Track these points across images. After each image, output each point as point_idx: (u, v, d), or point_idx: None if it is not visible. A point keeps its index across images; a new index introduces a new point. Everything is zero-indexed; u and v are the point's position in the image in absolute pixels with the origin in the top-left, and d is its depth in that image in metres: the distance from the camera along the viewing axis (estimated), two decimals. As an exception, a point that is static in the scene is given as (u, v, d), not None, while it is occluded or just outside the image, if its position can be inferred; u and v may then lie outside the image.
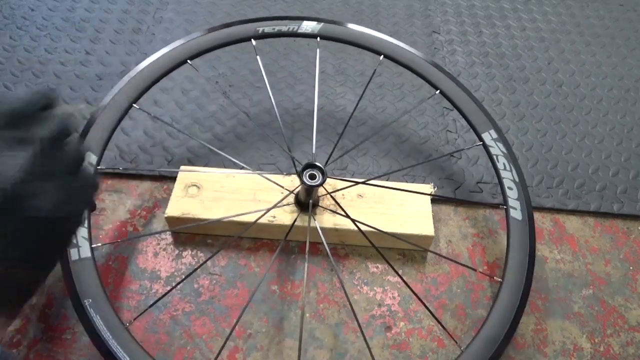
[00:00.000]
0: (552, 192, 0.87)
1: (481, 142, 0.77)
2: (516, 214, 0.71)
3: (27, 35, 1.04)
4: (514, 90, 1.05)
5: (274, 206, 0.71)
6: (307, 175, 0.67)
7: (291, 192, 0.74)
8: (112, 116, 0.72)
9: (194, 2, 1.17)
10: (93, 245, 0.64)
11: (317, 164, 0.67)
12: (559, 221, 0.84)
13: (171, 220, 0.73)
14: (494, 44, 1.16)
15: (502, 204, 0.72)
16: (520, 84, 1.06)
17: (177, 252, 0.74)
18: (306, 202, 0.71)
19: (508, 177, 0.74)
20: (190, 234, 0.76)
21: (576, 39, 1.19)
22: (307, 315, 0.69)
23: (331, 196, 0.74)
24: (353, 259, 0.75)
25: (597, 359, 0.68)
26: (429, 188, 0.79)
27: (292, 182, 0.77)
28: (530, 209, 0.72)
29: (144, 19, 1.11)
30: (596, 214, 0.85)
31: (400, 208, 0.76)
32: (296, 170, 0.69)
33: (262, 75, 0.78)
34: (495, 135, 0.77)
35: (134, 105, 0.74)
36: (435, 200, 0.82)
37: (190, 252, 0.74)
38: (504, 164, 0.75)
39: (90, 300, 0.60)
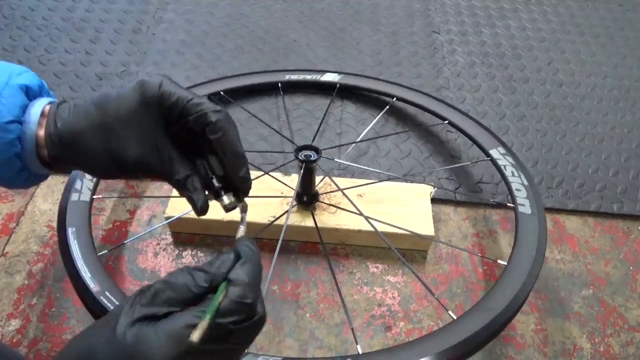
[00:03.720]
0: (552, 192, 0.87)
1: (489, 157, 0.81)
2: (525, 209, 0.72)
3: (27, 35, 1.04)
4: (514, 90, 1.05)
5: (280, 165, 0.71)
6: (303, 155, 0.68)
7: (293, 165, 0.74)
8: None
9: (194, 2, 1.17)
10: (94, 197, 0.71)
11: (312, 145, 0.69)
12: (559, 221, 0.84)
13: (171, 220, 0.73)
14: (494, 44, 1.16)
15: (510, 203, 0.74)
16: (520, 84, 1.06)
17: (177, 252, 0.74)
18: (305, 192, 0.71)
19: (516, 181, 0.76)
20: (190, 234, 0.76)
21: (576, 39, 1.20)
22: (307, 315, 0.69)
23: (343, 193, 0.74)
24: (353, 259, 0.75)
25: (597, 359, 0.68)
26: (429, 188, 0.79)
27: (292, 181, 0.77)
28: (541, 206, 0.72)
29: (144, 19, 1.11)
30: (596, 214, 0.85)
31: (400, 208, 0.76)
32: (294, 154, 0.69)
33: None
34: (503, 151, 0.81)
35: None
36: (435, 200, 0.82)
37: (190, 252, 0.74)
38: (512, 172, 0.77)
39: (74, 228, 0.65)
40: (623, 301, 0.74)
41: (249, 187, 0.42)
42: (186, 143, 0.40)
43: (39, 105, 0.39)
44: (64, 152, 0.39)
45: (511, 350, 0.68)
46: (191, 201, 0.41)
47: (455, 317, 0.60)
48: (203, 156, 0.42)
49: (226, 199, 0.42)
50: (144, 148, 0.38)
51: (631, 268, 0.79)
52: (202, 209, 0.41)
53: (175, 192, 0.74)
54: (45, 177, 0.43)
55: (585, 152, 0.94)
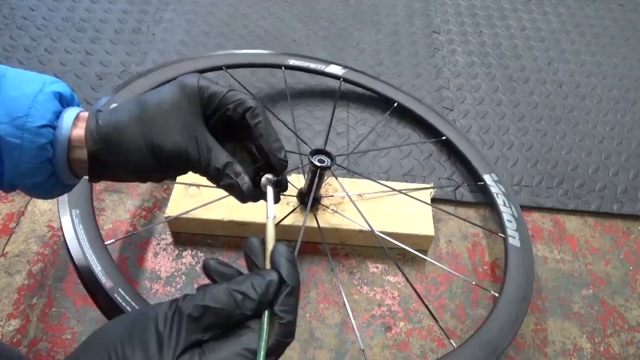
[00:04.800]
0: (552, 192, 0.87)
1: (482, 182, 0.81)
2: (514, 242, 0.73)
3: (27, 35, 1.04)
4: (514, 90, 1.05)
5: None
6: (316, 159, 0.67)
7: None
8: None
9: (194, 2, 1.17)
10: None
11: (327, 150, 0.68)
12: (559, 221, 0.84)
13: (171, 220, 0.73)
14: (494, 44, 1.16)
15: (501, 233, 0.75)
16: (520, 84, 1.06)
17: (177, 252, 0.74)
18: (308, 193, 0.71)
19: (507, 212, 0.77)
20: (190, 234, 0.76)
21: (576, 39, 1.20)
22: (307, 315, 0.69)
23: (352, 201, 0.74)
24: (353, 259, 0.75)
25: (597, 359, 0.68)
26: (429, 188, 0.79)
27: (293, 181, 0.77)
28: (528, 240, 0.75)
29: (144, 19, 1.11)
30: (596, 214, 0.85)
31: (400, 208, 0.76)
32: (303, 157, 0.69)
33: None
34: (495, 178, 0.82)
35: None
36: (435, 200, 0.82)
37: (190, 252, 0.74)
38: (503, 201, 0.79)
39: (77, 210, 0.63)
40: (623, 301, 0.75)
41: (286, 168, 0.44)
42: (221, 139, 0.42)
43: (73, 112, 0.40)
44: (104, 147, 0.39)
45: (511, 350, 0.68)
46: (234, 188, 0.41)
47: (455, 346, 0.63)
48: (236, 151, 0.44)
49: (265, 179, 0.43)
50: (184, 137, 0.40)
51: (631, 268, 0.79)
52: (247, 192, 0.41)
53: (175, 194, 0.74)
54: (70, 188, 0.44)
55: (585, 152, 0.94)
